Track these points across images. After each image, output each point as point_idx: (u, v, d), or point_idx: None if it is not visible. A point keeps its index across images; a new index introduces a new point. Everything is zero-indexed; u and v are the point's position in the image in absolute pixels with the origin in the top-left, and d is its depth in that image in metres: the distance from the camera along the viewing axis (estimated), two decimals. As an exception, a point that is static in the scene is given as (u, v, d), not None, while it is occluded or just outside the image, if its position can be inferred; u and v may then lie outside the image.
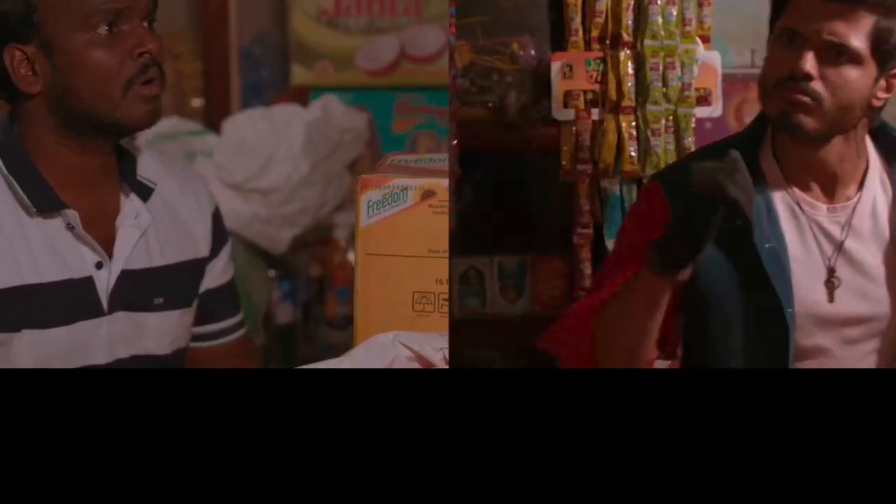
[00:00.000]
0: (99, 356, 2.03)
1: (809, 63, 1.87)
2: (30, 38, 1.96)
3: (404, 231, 1.82)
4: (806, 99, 1.88)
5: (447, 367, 1.72)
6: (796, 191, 1.96)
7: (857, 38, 1.87)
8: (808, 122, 1.89)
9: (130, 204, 2.07)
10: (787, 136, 1.94)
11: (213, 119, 4.02)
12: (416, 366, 1.73)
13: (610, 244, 2.53)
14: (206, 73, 4.20)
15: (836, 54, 1.87)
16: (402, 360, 1.73)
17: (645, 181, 2.48)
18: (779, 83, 1.89)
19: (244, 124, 3.73)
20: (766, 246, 1.92)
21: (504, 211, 2.68)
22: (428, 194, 1.82)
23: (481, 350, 2.62)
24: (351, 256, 3.54)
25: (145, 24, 1.99)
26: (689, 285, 1.92)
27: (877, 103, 1.93)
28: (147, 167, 2.11)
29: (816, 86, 1.87)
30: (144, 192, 2.08)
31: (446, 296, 1.83)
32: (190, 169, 2.32)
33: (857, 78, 1.88)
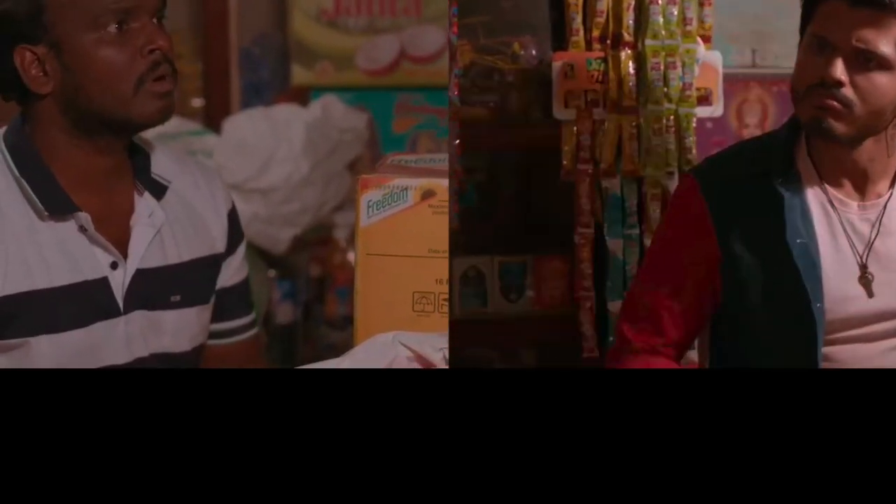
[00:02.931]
0: (118, 356, 2.03)
1: (839, 70, 1.91)
2: (39, 38, 1.96)
3: (404, 231, 1.83)
4: (836, 104, 1.92)
5: (447, 366, 1.72)
6: (829, 189, 2.00)
7: (886, 45, 1.90)
8: (839, 126, 1.93)
9: (144, 202, 2.07)
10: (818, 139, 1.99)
11: (213, 119, 4.02)
12: (415, 366, 1.73)
13: (611, 243, 2.54)
14: (206, 74, 4.20)
15: (865, 60, 1.91)
16: (401, 359, 1.73)
17: (680, 178, 2.49)
18: (809, 89, 1.94)
19: (244, 124, 3.72)
20: (798, 241, 1.97)
21: (505, 211, 2.68)
22: (428, 194, 1.83)
23: (482, 350, 2.62)
24: (351, 256, 3.53)
25: (154, 20, 1.99)
26: (723, 280, 1.99)
27: None
28: (161, 164, 2.11)
29: (847, 92, 1.91)
30: (158, 190, 2.08)
31: (446, 296, 1.82)
32: (205, 165, 2.31)
33: (886, 83, 1.92)
